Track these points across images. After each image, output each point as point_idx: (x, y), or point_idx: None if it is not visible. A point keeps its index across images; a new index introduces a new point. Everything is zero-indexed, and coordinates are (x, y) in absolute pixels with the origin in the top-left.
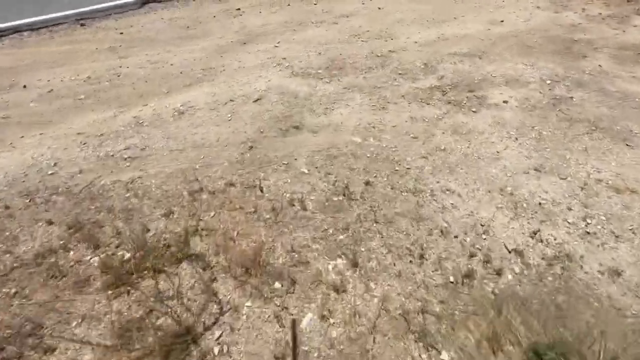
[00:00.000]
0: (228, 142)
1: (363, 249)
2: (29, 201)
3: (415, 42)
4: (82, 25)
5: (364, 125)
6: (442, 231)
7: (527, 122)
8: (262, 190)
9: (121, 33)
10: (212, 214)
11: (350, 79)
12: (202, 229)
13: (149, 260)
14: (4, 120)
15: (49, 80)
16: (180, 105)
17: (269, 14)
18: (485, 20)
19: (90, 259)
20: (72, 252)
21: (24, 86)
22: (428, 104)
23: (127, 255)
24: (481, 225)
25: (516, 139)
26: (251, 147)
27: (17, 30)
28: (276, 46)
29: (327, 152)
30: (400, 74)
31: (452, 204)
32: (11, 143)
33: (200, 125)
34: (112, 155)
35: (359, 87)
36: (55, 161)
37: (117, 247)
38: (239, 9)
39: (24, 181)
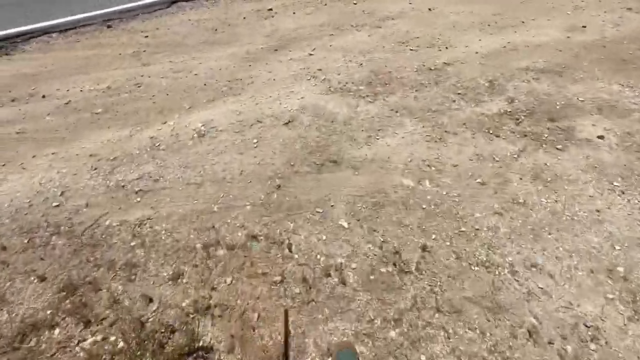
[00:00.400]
0: (253, 176)
1: (424, 358)
2: (28, 242)
3: (476, 53)
4: (108, 27)
5: (416, 163)
6: (530, 332)
7: (635, 167)
8: (290, 249)
9: (146, 36)
10: (228, 280)
11: (397, 98)
12: (215, 305)
13: (145, 357)
14: (18, 136)
15: (68, 90)
16: (202, 125)
17: (303, 15)
18: (562, 25)
19: (77, 343)
20: (57, 330)
21: (43, 96)
22: (497, 137)
23: (121, 343)
24: (586, 325)
25: (622, 192)
26: (279, 186)
27: (45, 32)
28: (311, 54)
29: (372, 199)
30: (459, 93)
31: (541, 288)
32: (22, 163)
33: (222, 152)
34: (123, 186)
35: (409, 109)
36: (62, 189)
37: (111, 325)
38: (270, 9)
39: (27, 213)
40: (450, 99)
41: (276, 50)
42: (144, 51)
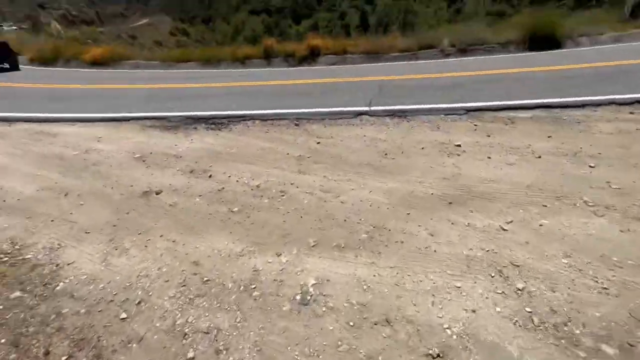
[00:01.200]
0: None
1: None
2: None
3: None
4: (296, 124)
5: None
6: None
7: None
8: None
9: (318, 142)
10: None
11: None
12: None
13: None
14: (170, 208)
15: (229, 177)
16: (313, 284)
17: (502, 163)
18: None
19: None
20: None
21: (210, 176)
22: None
23: None
24: None
25: None
26: None
27: (253, 117)
28: (504, 228)
29: None
30: None
31: None
32: (149, 240)
33: (313, 354)
34: (184, 336)
35: None
36: (143, 297)
37: None
38: (458, 145)
39: (100, 311)
40: None
41: (451, 203)
42: (308, 157)
